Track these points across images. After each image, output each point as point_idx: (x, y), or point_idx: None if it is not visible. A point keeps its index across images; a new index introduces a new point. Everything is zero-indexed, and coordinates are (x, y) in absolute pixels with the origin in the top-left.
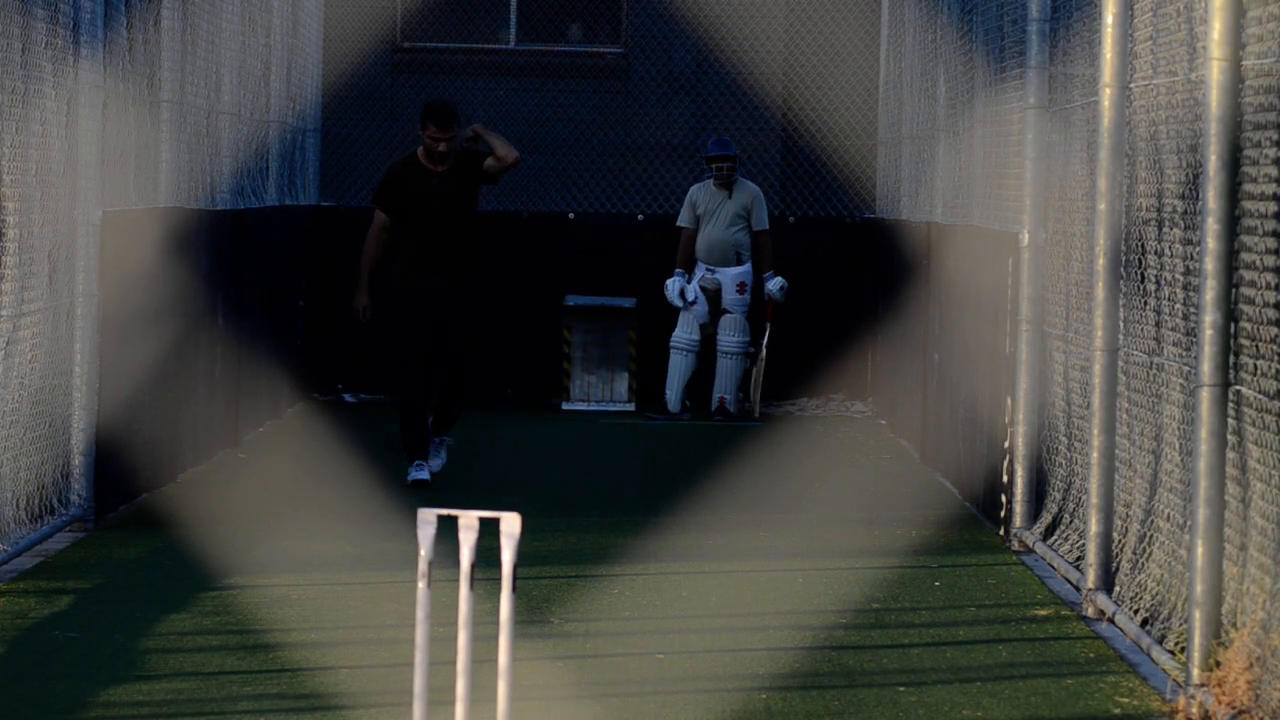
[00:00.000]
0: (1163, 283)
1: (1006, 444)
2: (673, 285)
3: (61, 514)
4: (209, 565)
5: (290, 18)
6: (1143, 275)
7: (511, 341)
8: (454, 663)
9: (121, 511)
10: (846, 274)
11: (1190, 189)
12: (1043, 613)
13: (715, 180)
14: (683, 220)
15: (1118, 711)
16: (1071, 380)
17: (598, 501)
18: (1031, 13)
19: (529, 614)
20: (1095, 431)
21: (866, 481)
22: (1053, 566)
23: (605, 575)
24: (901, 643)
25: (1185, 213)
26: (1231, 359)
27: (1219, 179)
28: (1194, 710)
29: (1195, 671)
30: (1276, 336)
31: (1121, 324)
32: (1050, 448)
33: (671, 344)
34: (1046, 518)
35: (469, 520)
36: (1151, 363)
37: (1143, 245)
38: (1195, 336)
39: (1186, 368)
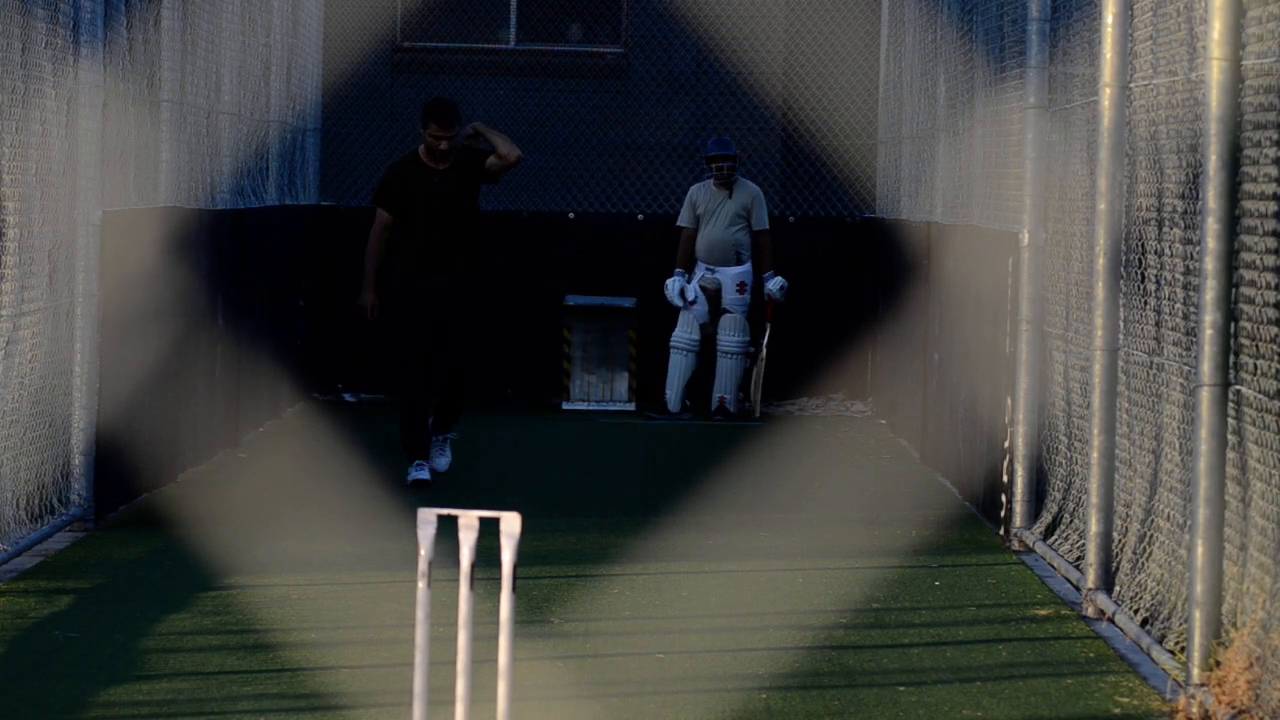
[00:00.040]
0: (1163, 283)
1: (1006, 444)
2: (673, 285)
3: (61, 514)
4: (209, 565)
5: (290, 18)
6: (1143, 275)
7: (511, 341)
8: (454, 663)
9: (121, 511)
10: (846, 274)
11: (1190, 189)
12: (1043, 613)
13: (715, 180)
14: (683, 220)
15: (1118, 711)
16: (1071, 380)
17: (598, 501)
18: (1031, 13)
19: (529, 614)
20: (1095, 431)
21: (866, 481)
22: (1053, 566)
23: (605, 575)
24: (901, 643)
25: (1185, 213)
26: (1231, 359)
27: (1219, 179)
28: (1194, 710)
29: (1195, 671)
30: (1276, 336)
31: (1121, 324)
32: (1050, 448)
33: (671, 344)
34: (1046, 517)
35: (469, 520)
36: (1151, 363)
37: (1143, 245)
38: (1195, 336)
39: (1186, 368)
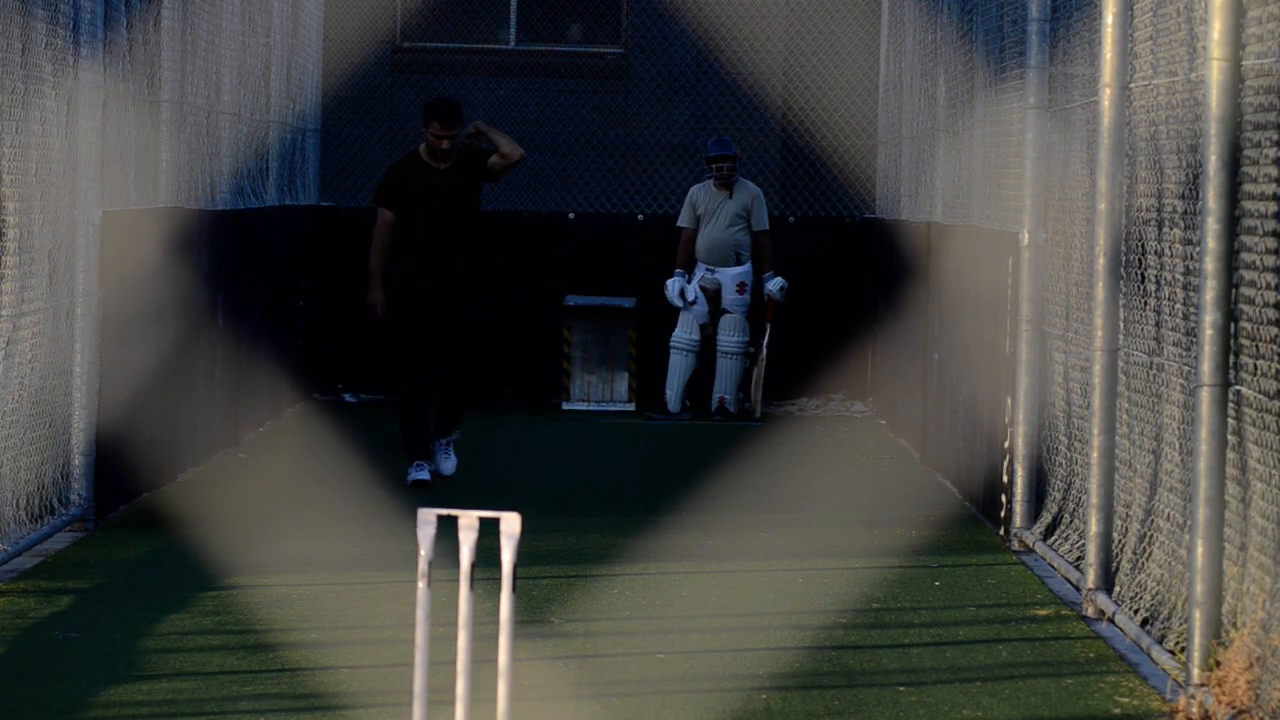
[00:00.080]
0: (1163, 283)
1: (1006, 444)
2: (673, 285)
3: (61, 514)
4: (209, 565)
5: (290, 18)
6: (1143, 275)
7: (511, 341)
8: (454, 663)
9: (121, 511)
10: (846, 274)
11: (1190, 189)
12: (1043, 613)
13: (715, 180)
14: (683, 220)
15: (1118, 711)
16: (1071, 380)
17: (598, 501)
18: (1031, 13)
19: (529, 614)
20: (1095, 431)
21: (866, 481)
22: (1053, 566)
23: (605, 575)
24: (901, 643)
25: (1185, 213)
26: (1231, 359)
27: (1219, 179)
28: (1194, 710)
29: (1195, 671)
30: (1276, 336)
31: (1121, 324)
32: (1050, 448)
33: (671, 344)
34: (1046, 518)
35: (469, 520)
36: (1151, 363)
37: (1143, 245)
38: (1195, 336)
39: (1186, 368)
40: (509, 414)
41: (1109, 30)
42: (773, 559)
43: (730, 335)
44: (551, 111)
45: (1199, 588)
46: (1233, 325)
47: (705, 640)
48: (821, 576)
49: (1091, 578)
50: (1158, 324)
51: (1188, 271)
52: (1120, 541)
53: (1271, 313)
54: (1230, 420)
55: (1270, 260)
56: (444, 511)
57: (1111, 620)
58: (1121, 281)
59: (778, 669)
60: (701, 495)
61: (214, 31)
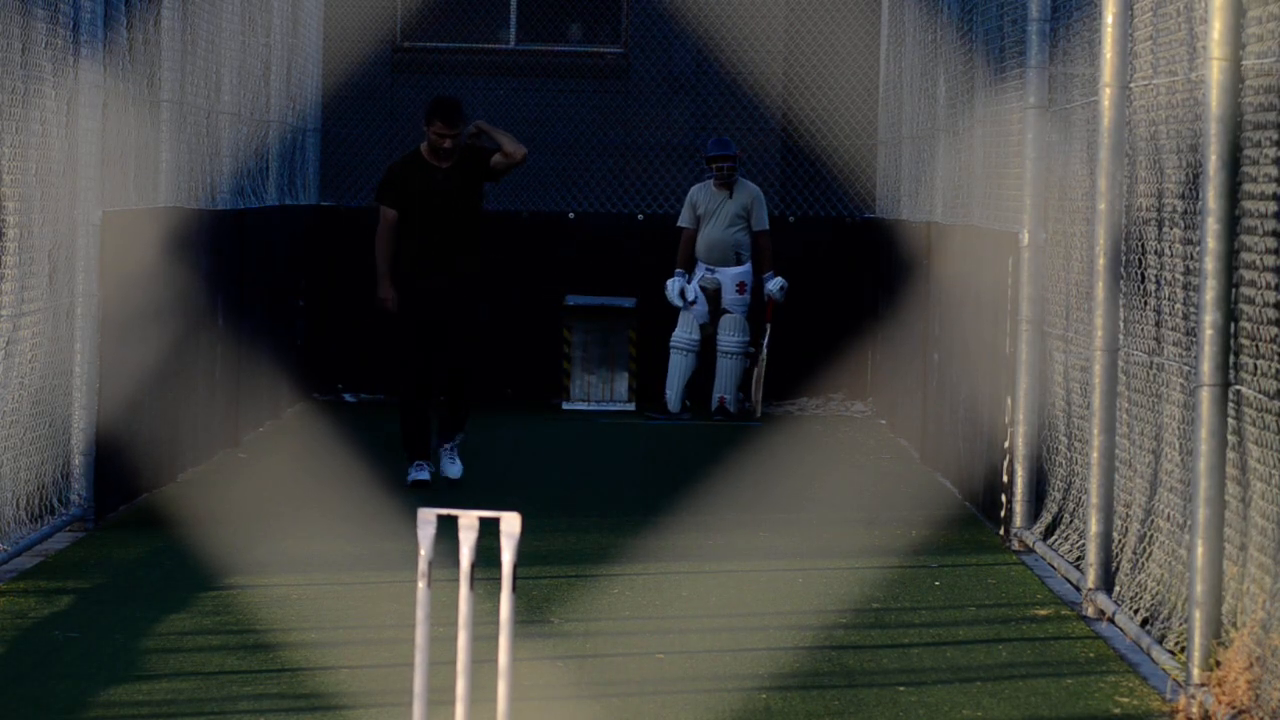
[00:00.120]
0: (1163, 283)
1: (1006, 444)
2: (673, 285)
3: (61, 514)
4: (209, 565)
5: (290, 18)
6: (1143, 275)
7: (511, 341)
8: (454, 663)
9: (121, 511)
10: (846, 274)
11: (1190, 189)
12: (1043, 613)
13: (715, 180)
14: (683, 221)
15: (1118, 711)
16: (1071, 380)
17: (598, 501)
18: (1031, 13)
19: (529, 614)
20: (1095, 431)
21: (866, 481)
22: (1053, 566)
23: (605, 575)
24: (901, 643)
25: (1185, 213)
26: (1231, 359)
27: (1219, 179)
28: (1194, 710)
29: (1195, 671)
30: (1276, 336)
31: (1121, 324)
32: (1050, 448)
33: (671, 344)
34: (1046, 518)
35: (469, 520)
36: (1151, 363)
37: (1143, 245)
38: (1195, 336)
39: (1186, 368)
40: (509, 414)
41: (1109, 30)
42: (773, 559)
43: (730, 335)
44: (551, 111)
45: (1199, 588)
46: (1233, 325)
47: (705, 640)
48: (821, 576)
49: (1091, 578)
50: (1158, 324)
51: (1188, 271)
52: (1120, 541)
53: (1271, 313)
54: (1230, 420)
55: (1270, 260)
56: (444, 511)
57: (1111, 620)
58: (1121, 281)
59: (778, 669)
60: (701, 495)
61: (214, 31)
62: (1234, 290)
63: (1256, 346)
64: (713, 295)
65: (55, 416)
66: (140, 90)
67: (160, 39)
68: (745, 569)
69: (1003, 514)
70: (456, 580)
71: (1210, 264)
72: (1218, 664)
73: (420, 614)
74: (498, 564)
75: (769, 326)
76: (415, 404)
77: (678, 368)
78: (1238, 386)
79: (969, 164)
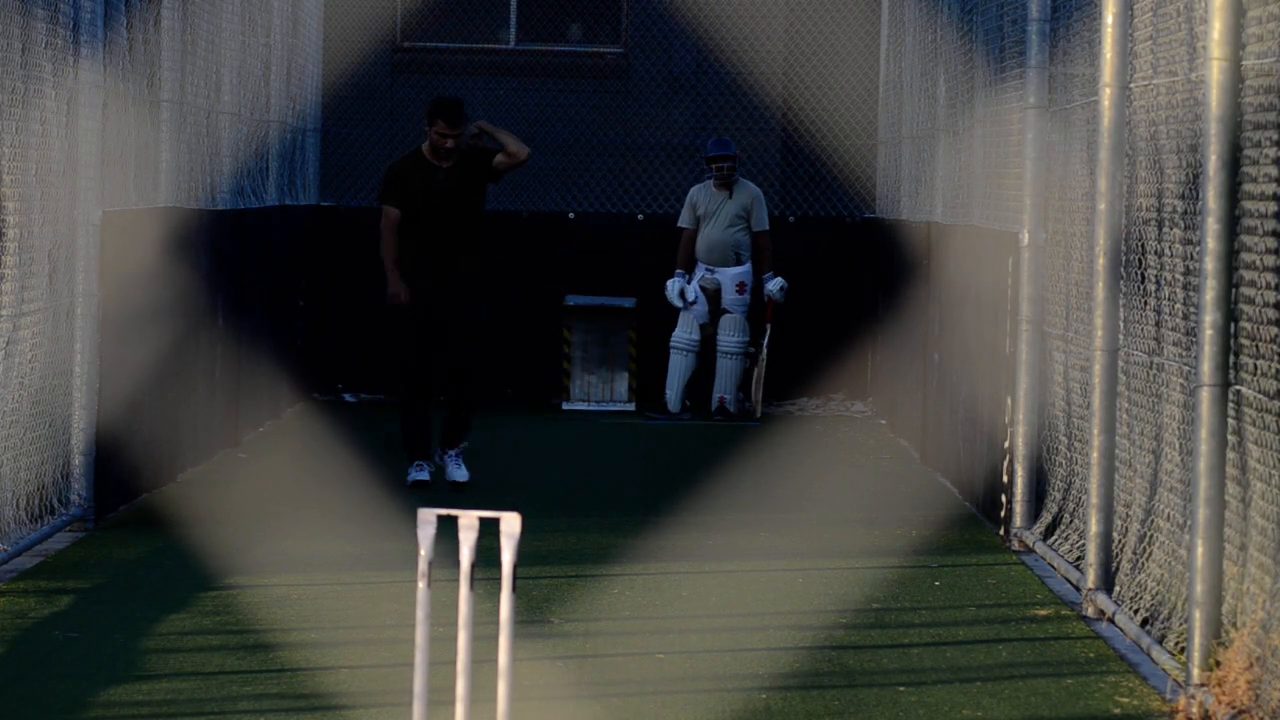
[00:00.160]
0: (1163, 283)
1: (1006, 444)
2: (673, 286)
3: (61, 514)
4: (209, 565)
5: (290, 18)
6: (1143, 275)
7: (511, 341)
8: (454, 663)
9: (121, 511)
10: (846, 274)
11: (1190, 189)
12: (1043, 613)
13: (715, 180)
14: (683, 221)
15: (1118, 711)
16: (1071, 380)
17: (598, 501)
18: (1031, 13)
19: (529, 614)
20: (1095, 431)
21: (866, 481)
22: (1053, 566)
23: (605, 575)
24: (901, 643)
25: (1185, 213)
26: (1231, 359)
27: (1219, 179)
28: (1194, 710)
29: (1195, 671)
30: (1276, 336)
31: (1121, 324)
32: (1050, 448)
33: (671, 344)
34: (1046, 518)
35: (469, 520)
36: (1151, 363)
37: (1143, 245)
38: (1195, 336)
39: (1186, 368)
40: (509, 414)
41: (1109, 30)
42: (773, 559)
43: (730, 335)
44: (551, 111)
45: (1199, 588)
46: (1233, 325)
47: (705, 640)
48: (821, 576)
49: (1091, 578)
50: (1158, 324)
51: (1188, 271)
52: (1120, 541)
53: (1271, 313)
54: (1230, 420)
55: (1270, 260)
56: (444, 511)
57: (1111, 620)
58: (1121, 281)
59: (778, 669)
60: (701, 495)
61: (214, 31)
62: (1234, 290)
63: (1256, 346)
64: (713, 295)
65: (55, 416)
66: (140, 90)
67: (160, 39)
68: (745, 569)
69: (1003, 514)
70: (456, 580)
71: (1210, 264)
72: (1218, 664)
73: (420, 614)
74: (498, 564)
75: (769, 327)
76: (415, 404)
77: (678, 368)
78: (1238, 386)
79: (969, 164)
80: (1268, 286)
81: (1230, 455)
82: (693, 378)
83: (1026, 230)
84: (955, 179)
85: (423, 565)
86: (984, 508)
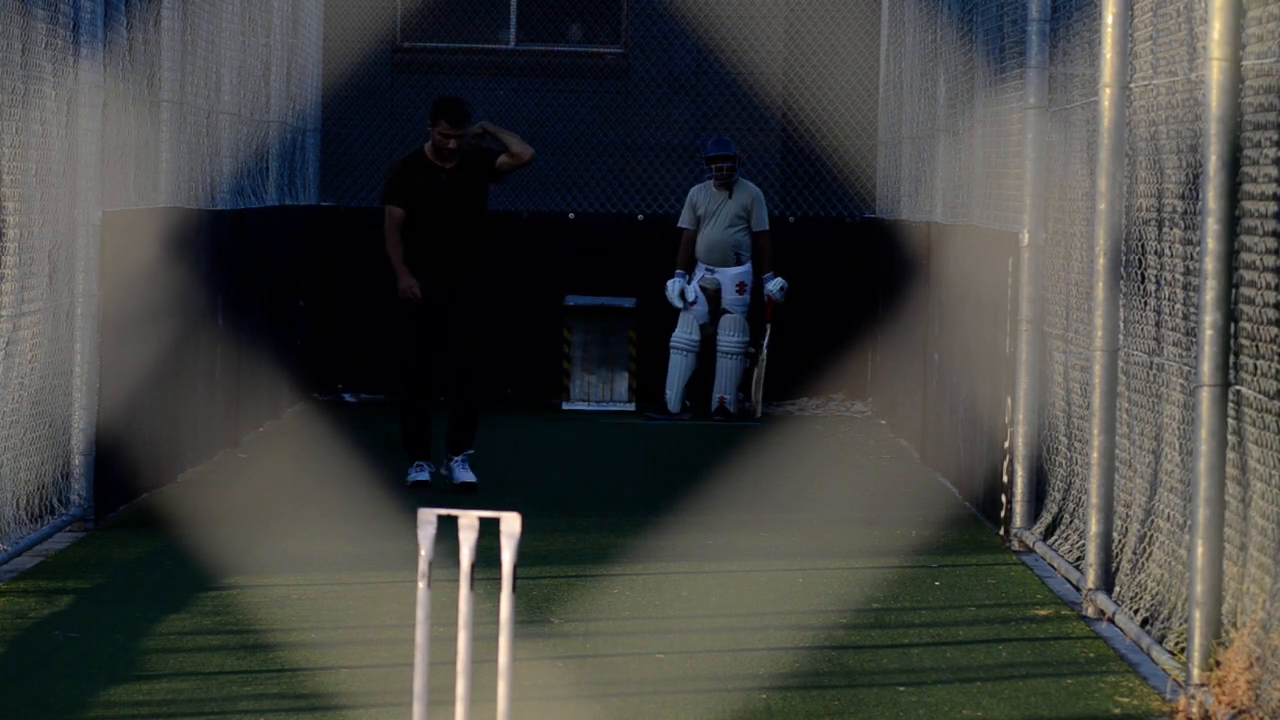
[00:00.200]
0: (1163, 283)
1: (1006, 444)
2: (673, 286)
3: (61, 514)
4: (209, 565)
5: (290, 18)
6: (1143, 275)
7: (511, 341)
8: (454, 663)
9: (121, 511)
10: (846, 274)
11: (1190, 189)
12: (1043, 613)
13: (715, 180)
14: (683, 221)
15: (1118, 711)
16: (1071, 380)
17: (598, 501)
18: (1031, 13)
19: (529, 614)
20: (1095, 431)
21: (866, 481)
22: (1053, 566)
23: (605, 575)
24: (901, 643)
25: (1185, 213)
26: (1231, 359)
27: (1219, 179)
28: (1194, 710)
29: (1195, 671)
30: (1276, 336)
31: (1121, 324)
32: (1050, 448)
33: (671, 344)
34: (1046, 518)
35: (469, 520)
36: (1151, 363)
37: (1143, 245)
38: (1195, 336)
39: (1186, 368)
40: (509, 414)
41: (1109, 30)
42: (773, 559)
43: (730, 335)
44: (551, 111)
45: (1199, 588)
46: (1233, 325)
47: (705, 640)
48: (821, 576)
49: (1091, 578)
50: (1158, 324)
51: (1188, 271)
52: (1120, 541)
53: (1271, 313)
54: (1230, 420)
55: (1270, 260)
56: (444, 511)
57: (1111, 620)
58: (1121, 281)
59: (778, 669)
60: (701, 495)
61: (214, 31)
62: (1234, 290)
63: (1256, 346)
64: (713, 295)
65: (55, 416)
66: (140, 90)
67: (160, 39)
68: (745, 569)
69: (1003, 514)
70: (456, 580)
71: (1210, 264)
72: (1218, 664)
73: (420, 614)
74: (498, 564)
75: (769, 327)
76: (415, 404)
77: (678, 368)
78: (1238, 386)
79: (969, 164)
80: (1268, 286)
81: (1230, 455)
82: (693, 378)
83: (1026, 230)
84: (955, 179)
85: (423, 565)
86: (984, 508)
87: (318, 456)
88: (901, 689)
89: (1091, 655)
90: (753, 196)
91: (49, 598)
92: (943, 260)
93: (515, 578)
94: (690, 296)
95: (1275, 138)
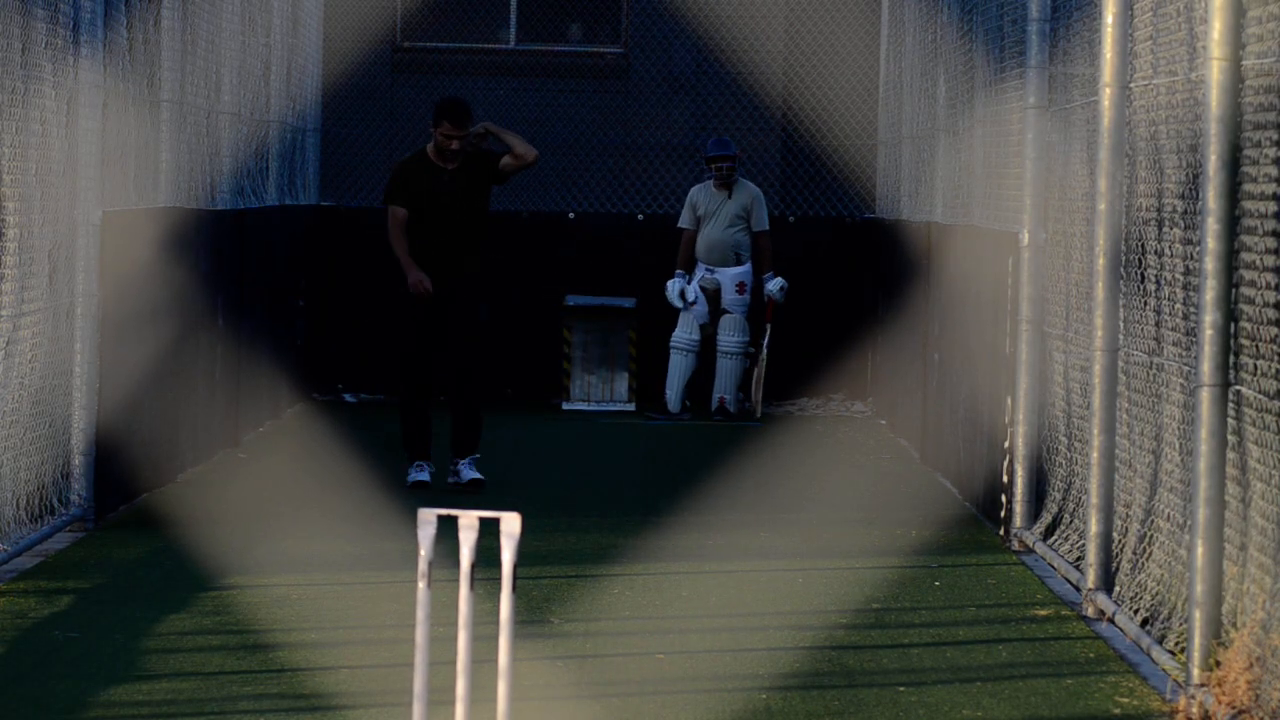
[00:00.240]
0: (1163, 283)
1: (1006, 444)
2: (673, 286)
3: (61, 514)
4: (209, 565)
5: (290, 18)
6: (1143, 275)
7: (511, 341)
8: (454, 663)
9: (121, 511)
10: (846, 274)
11: (1190, 189)
12: (1043, 613)
13: (715, 180)
14: (683, 222)
15: (1118, 711)
16: (1071, 380)
17: (598, 501)
18: (1031, 13)
19: (529, 614)
20: (1095, 431)
21: (866, 481)
22: (1053, 566)
23: (605, 575)
24: (901, 643)
25: (1185, 213)
26: (1231, 359)
27: (1219, 179)
28: (1194, 710)
29: (1195, 671)
30: (1276, 336)
31: (1121, 324)
32: (1050, 448)
33: (671, 344)
34: (1046, 518)
35: (469, 520)
36: (1151, 363)
37: (1143, 245)
38: (1195, 336)
39: (1186, 368)
40: (509, 414)
41: (1109, 30)
42: (773, 559)
43: (730, 335)
44: (551, 111)
45: (1199, 588)
46: (1233, 325)
47: (705, 640)
48: (821, 576)
49: (1091, 578)
50: (1158, 324)
51: (1188, 271)
52: (1120, 541)
53: (1271, 313)
54: (1230, 420)
55: (1270, 260)
56: (444, 511)
57: (1111, 620)
58: (1121, 281)
59: (778, 669)
60: (701, 495)
61: (214, 31)
62: (1234, 290)
63: (1256, 346)
64: (712, 295)
65: (55, 416)
66: (140, 90)
67: (160, 39)
68: (745, 569)
69: (1003, 514)
70: (456, 580)
71: (1210, 264)
72: (1218, 664)
73: (420, 614)
74: (498, 564)
75: (769, 327)
76: (415, 404)
77: (678, 368)
78: (1238, 386)
79: (969, 164)
80: (1268, 286)
81: (1230, 455)
82: (693, 378)
83: (1026, 230)
84: (955, 179)
85: (423, 565)
86: (984, 508)
87: (318, 457)
88: (901, 689)
89: (1091, 655)
90: (753, 196)
91: (49, 598)
92: (943, 260)
93: (515, 578)
94: (690, 296)
95: (1275, 138)
